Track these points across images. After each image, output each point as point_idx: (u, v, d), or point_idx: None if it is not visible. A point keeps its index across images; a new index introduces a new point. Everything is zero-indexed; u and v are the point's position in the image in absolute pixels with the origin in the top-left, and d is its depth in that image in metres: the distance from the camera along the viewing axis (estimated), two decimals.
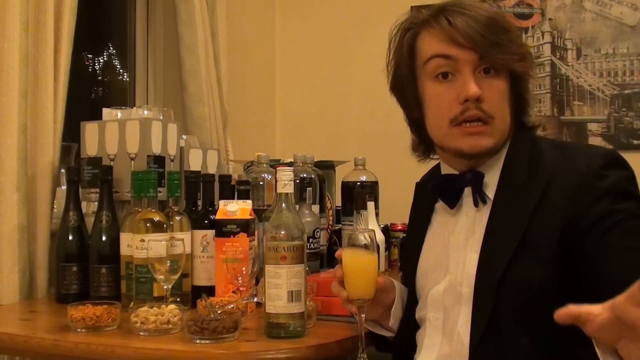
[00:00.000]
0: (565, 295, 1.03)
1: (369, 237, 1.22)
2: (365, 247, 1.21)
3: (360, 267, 1.22)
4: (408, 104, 1.29)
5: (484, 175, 1.21)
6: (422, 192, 1.41)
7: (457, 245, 1.23)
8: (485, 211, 1.20)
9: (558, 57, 2.87)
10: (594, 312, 0.79)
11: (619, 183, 1.11)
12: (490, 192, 1.21)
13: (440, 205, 1.31)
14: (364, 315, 1.24)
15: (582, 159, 1.14)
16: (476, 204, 1.22)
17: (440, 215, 1.31)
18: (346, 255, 1.22)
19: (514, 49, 1.18)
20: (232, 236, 1.54)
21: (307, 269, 1.35)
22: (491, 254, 1.15)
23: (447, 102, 1.19)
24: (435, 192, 1.30)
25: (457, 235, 1.24)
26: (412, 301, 1.32)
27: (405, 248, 1.44)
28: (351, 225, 1.87)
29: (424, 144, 1.35)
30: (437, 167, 1.37)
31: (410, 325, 1.31)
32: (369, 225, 1.80)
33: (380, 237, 1.86)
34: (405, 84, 1.27)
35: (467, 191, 1.24)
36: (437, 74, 1.21)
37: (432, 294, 1.24)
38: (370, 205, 1.85)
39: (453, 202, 1.26)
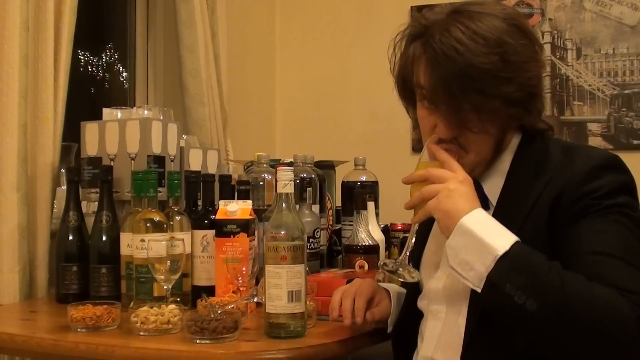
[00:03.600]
0: None
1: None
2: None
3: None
4: (411, 107, 1.32)
5: (482, 186, 1.23)
6: None
7: None
8: (489, 211, 1.22)
9: (558, 57, 2.87)
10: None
11: (609, 184, 1.12)
12: (493, 197, 1.22)
13: None
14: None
15: (581, 160, 1.16)
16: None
17: None
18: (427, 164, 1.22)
19: (505, 74, 1.14)
20: (232, 236, 1.54)
21: (307, 269, 1.35)
22: None
23: (427, 128, 1.23)
24: None
25: None
26: (414, 291, 1.34)
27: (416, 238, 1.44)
28: (351, 225, 1.87)
29: None
30: None
31: (411, 315, 1.33)
32: (369, 225, 1.80)
33: (380, 237, 1.86)
34: (407, 91, 1.29)
35: None
36: (422, 99, 1.23)
37: (435, 286, 1.26)
38: (370, 205, 1.85)
39: None
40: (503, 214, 1.16)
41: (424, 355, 1.26)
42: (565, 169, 1.15)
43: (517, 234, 1.10)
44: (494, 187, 1.23)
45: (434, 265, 1.30)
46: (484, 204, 1.20)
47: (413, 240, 1.26)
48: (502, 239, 1.06)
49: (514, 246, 1.05)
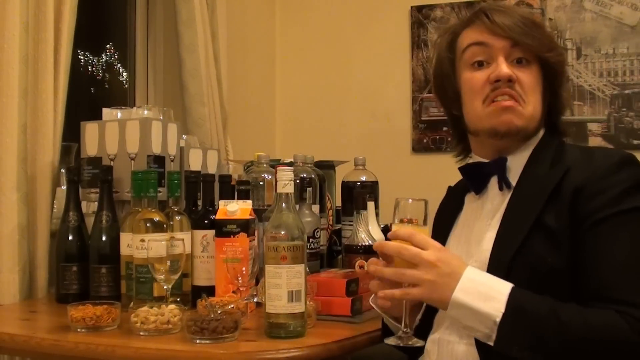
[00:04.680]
0: (574, 280, 1.12)
1: (423, 209, 1.22)
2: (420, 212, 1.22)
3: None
4: (448, 99, 1.36)
5: (506, 159, 1.27)
6: (452, 193, 1.47)
7: (480, 230, 1.27)
8: (507, 197, 1.26)
9: None
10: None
11: (629, 178, 1.16)
12: (514, 179, 1.26)
13: (469, 196, 1.37)
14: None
15: (599, 156, 1.21)
16: (501, 188, 1.27)
17: (469, 206, 1.36)
18: (398, 229, 1.21)
19: (544, 40, 1.27)
20: (232, 236, 1.54)
21: (307, 269, 1.35)
22: (506, 231, 1.20)
23: (480, 83, 1.26)
24: (463, 175, 1.36)
25: (482, 220, 1.29)
26: None
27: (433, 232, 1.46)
28: (351, 225, 1.87)
29: (461, 144, 1.41)
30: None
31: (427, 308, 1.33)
32: (369, 225, 1.80)
33: (380, 237, 1.85)
34: (445, 79, 1.34)
35: (493, 180, 1.29)
36: (472, 62, 1.28)
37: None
38: (370, 205, 1.85)
39: (479, 187, 1.31)
40: (521, 198, 1.21)
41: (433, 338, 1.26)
42: (586, 163, 1.19)
43: (537, 220, 1.14)
44: (513, 169, 1.27)
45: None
46: (506, 183, 1.26)
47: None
48: (495, 301, 1.09)
49: (509, 303, 1.08)
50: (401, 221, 1.21)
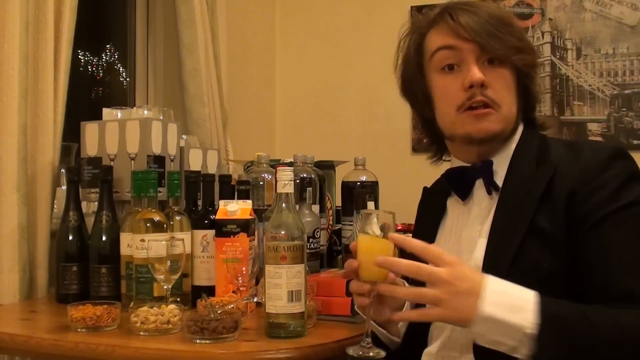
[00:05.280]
0: (572, 283, 1.10)
1: (386, 222, 1.18)
2: (382, 229, 1.17)
3: (377, 252, 1.16)
4: (418, 102, 1.32)
5: (492, 162, 1.24)
6: (430, 195, 1.43)
7: (469, 236, 1.25)
8: (495, 200, 1.23)
9: (558, 57, 2.87)
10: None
11: (623, 172, 1.14)
12: (500, 181, 1.24)
13: (451, 201, 1.33)
14: (374, 293, 1.19)
15: (588, 152, 1.17)
16: (489, 192, 1.24)
17: (453, 212, 1.33)
18: (362, 239, 1.18)
19: (512, 42, 1.22)
20: (232, 236, 1.54)
21: (307, 269, 1.35)
22: (499, 238, 1.17)
23: (454, 90, 1.23)
24: (447, 183, 1.32)
25: (470, 226, 1.26)
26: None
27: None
28: (351, 225, 1.87)
29: (435, 144, 1.38)
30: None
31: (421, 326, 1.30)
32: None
33: None
34: (414, 82, 1.31)
35: (479, 183, 1.26)
36: (443, 66, 1.25)
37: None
38: (370, 205, 1.85)
39: (464, 193, 1.28)
40: (510, 201, 1.18)
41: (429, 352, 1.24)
42: (575, 161, 1.16)
43: (530, 224, 1.12)
44: (499, 171, 1.24)
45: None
46: (494, 186, 1.22)
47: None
48: (524, 311, 1.03)
49: (542, 313, 1.02)
50: (366, 233, 1.16)
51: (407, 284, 1.30)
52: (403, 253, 1.17)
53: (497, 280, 1.06)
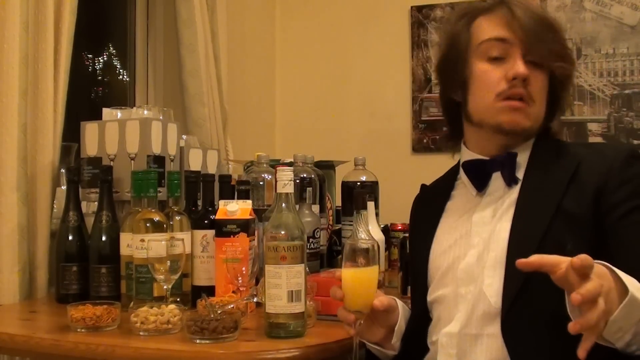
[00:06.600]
0: None
1: (371, 248, 1.20)
2: (366, 255, 1.19)
3: (360, 283, 1.20)
4: (452, 84, 1.35)
5: (517, 154, 1.28)
6: (429, 189, 1.46)
7: (482, 221, 1.27)
8: (513, 189, 1.26)
9: None
10: (557, 264, 0.94)
11: None
12: (520, 174, 1.27)
13: (457, 192, 1.37)
14: (360, 321, 1.23)
15: (609, 151, 1.24)
16: (509, 184, 1.27)
17: (457, 201, 1.36)
18: (346, 272, 1.20)
19: (557, 48, 1.28)
20: (232, 236, 1.54)
21: (307, 269, 1.35)
22: (526, 221, 1.20)
23: (496, 78, 1.27)
24: (465, 172, 1.34)
25: (482, 212, 1.28)
26: (421, 296, 1.33)
27: (412, 240, 1.46)
28: (351, 225, 1.87)
29: (453, 126, 1.41)
30: (449, 172, 1.43)
31: (422, 321, 1.32)
32: (369, 225, 1.80)
33: (380, 237, 1.85)
34: (453, 64, 1.33)
35: (495, 176, 1.29)
36: (489, 55, 1.28)
37: (462, 268, 1.25)
38: (370, 205, 1.85)
39: (481, 185, 1.31)
40: (536, 187, 1.23)
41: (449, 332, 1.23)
42: (598, 156, 1.22)
43: (557, 208, 1.16)
44: (522, 163, 1.28)
45: (452, 251, 1.30)
46: (514, 179, 1.26)
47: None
48: None
49: None
50: (355, 266, 1.18)
51: (399, 304, 1.31)
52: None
53: (613, 268, 1.03)
